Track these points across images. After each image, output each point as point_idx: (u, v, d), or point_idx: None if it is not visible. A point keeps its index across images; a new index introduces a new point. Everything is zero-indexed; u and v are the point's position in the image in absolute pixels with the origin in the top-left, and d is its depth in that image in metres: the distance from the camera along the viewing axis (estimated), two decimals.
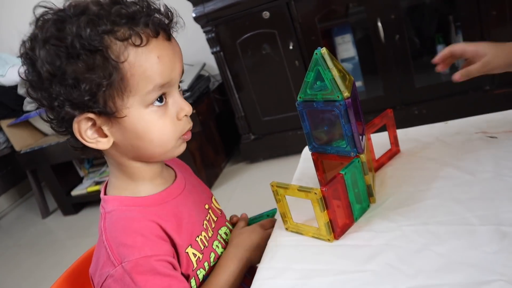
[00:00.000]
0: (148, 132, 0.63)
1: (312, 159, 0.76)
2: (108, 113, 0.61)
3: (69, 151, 2.40)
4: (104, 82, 0.58)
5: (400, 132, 0.92)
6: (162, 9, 0.64)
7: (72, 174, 2.72)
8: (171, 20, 0.64)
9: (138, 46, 0.59)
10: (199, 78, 2.38)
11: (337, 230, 0.65)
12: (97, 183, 2.58)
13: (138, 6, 0.61)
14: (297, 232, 0.70)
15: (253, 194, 2.07)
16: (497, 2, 1.80)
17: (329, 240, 0.65)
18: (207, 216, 0.77)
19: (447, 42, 2.12)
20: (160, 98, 0.63)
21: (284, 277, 0.61)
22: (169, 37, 0.63)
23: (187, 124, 0.67)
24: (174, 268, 0.66)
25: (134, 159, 0.68)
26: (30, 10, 0.60)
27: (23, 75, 0.62)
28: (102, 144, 0.64)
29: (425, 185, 0.71)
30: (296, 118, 0.72)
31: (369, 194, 0.71)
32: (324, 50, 0.65)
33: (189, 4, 2.14)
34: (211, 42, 2.20)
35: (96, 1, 0.59)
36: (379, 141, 0.89)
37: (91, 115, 0.61)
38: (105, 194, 0.71)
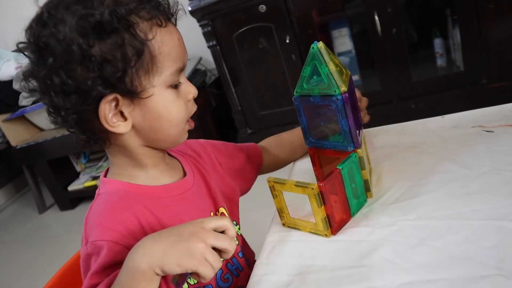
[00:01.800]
0: (168, 111, 0.65)
1: (309, 154, 0.76)
2: (134, 93, 0.61)
3: (66, 146, 2.42)
4: (133, 58, 0.59)
5: (397, 127, 0.92)
6: None
7: (69, 169, 2.71)
8: (176, 8, 0.66)
9: (160, 26, 0.61)
10: (196, 72, 2.38)
11: (334, 226, 0.65)
12: (94, 178, 2.58)
13: None
14: (294, 228, 0.70)
15: None
16: None
17: (326, 235, 0.65)
18: None
19: (444, 36, 2.12)
20: (176, 84, 0.66)
21: (281, 273, 0.61)
22: (175, 23, 0.66)
23: (193, 106, 0.70)
24: None
25: (144, 144, 0.68)
26: (24, 5, 0.59)
27: (25, 68, 0.61)
28: (122, 127, 0.63)
29: (422, 179, 0.71)
30: (292, 113, 0.71)
31: (366, 189, 0.70)
32: (320, 44, 0.65)
33: None
34: (207, 36, 2.19)
35: None
36: (373, 135, 0.89)
37: (118, 96, 0.60)
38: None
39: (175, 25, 0.66)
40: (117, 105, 0.62)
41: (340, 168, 0.64)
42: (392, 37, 1.98)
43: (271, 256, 0.66)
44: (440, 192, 0.66)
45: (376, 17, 1.96)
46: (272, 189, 0.69)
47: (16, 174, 3.13)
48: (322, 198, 0.62)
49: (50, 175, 2.57)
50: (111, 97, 0.60)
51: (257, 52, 2.19)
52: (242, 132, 2.40)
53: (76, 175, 2.72)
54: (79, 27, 0.56)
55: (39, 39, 0.58)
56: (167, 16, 0.64)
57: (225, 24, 2.17)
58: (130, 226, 0.62)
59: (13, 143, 2.53)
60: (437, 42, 2.12)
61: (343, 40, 2.23)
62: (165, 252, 0.50)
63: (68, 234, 2.41)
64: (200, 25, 2.18)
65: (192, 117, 0.72)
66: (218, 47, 2.20)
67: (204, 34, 2.19)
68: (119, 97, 0.61)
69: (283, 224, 0.72)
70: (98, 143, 0.66)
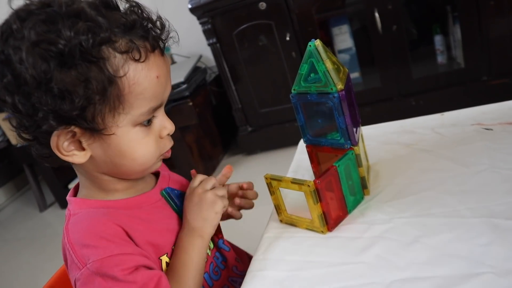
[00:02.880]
0: (132, 151, 0.60)
1: (307, 151, 0.76)
2: (95, 130, 0.56)
3: None
4: (96, 96, 0.53)
5: (396, 124, 0.92)
6: (155, 19, 0.59)
7: (69, 167, 2.70)
8: (167, 35, 0.60)
9: (137, 61, 0.55)
10: (196, 70, 2.37)
11: (330, 222, 0.65)
12: None
13: (136, 15, 0.56)
14: (291, 224, 0.70)
15: None
16: None
17: (322, 232, 0.65)
18: None
19: (445, 33, 2.11)
20: (148, 119, 0.61)
21: (277, 269, 0.61)
22: (162, 53, 0.60)
23: (169, 143, 0.66)
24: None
25: (108, 174, 0.64)
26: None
27: None
28: (78, 157, 0.59)
29: (419, 177, 0.71)
30: (293, 110, 0.71)
31: (363, 186, 0.70)
32: (318, 42, 0.65)
33: None
34: (207, 33, 2.19)
35: (91, 3, 0.54)
36: (372, 132, 0.89)
37: (76, 129, 0.56)
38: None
39: (163, 53, 0.60)
40: (74, 135, 0.57)
41: (337, 165, 0.64)
42: (393, 34, 1.98)
43: (267, 252, 0.66)
44: (437, 190, 0.66)
45: (377, 14, 1.95)
46: (269, 185, 0.69)
47: (16, 173, 3.14)
48: (318, 195, 0.62)
49: (51, 173, 2.57)
50: (65, 131, 0.56)
51: (257, 49, 2.19)
52: (242, 129, 2.40)
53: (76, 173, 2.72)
54: (41, 51, 0.51)
55: (1, 53, 0.53)
56: (152, 46, 0.57)
57: (225, 22, 2.16)
58: (120, 235, 0.61)
59: (13, 142, 2.53)
60: (438, 39, 2.11)
61: (344, 37, 2.22)
62: (204, 220, 0.67)
63: None
64: (200, 23, 2.17)
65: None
66: (218, 44, 2.20)
67: (204, 31, 2.19)
68: (76, 130, 0.56)
69: (281, 221, 0.72)
70: (60, 161, 0.61)
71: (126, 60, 0.54)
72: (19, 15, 0.53)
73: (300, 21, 2.08)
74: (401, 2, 1.98)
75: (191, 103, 2.13)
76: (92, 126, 0.56)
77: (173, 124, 0.65)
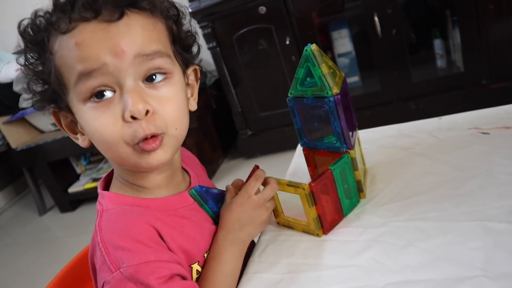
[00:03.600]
0: (92, 131, 0.57)
1: (304, 154, 0.76)
2: (62, 108, 0.60)
3: (66, 148, 2.42)
4: (48, 77, 0.57)
5: (394, 128, 0.92)
6: None
7: (69, 171, 2.71)
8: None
9: (64, 33, 0.54)
10: None
11: (326, 225, 0.65)
12: (94, 179, 2.58)
13: None
14: (288, 227, 0.71)
15: None
16: None
17: (318, 235, 0.65)
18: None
19: (444, 37, 2.12)
20: (100, 93, 0.55)
21: (273, 272, 0.61)
22: (119, 16, 0.53)
23: (140, 128, 0.55)
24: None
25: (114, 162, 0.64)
26: (24, 7, 0.61)
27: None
28: (80, 141, 0.62)
29: (415, 181, 0.71)
30: None
31: (359, 189, 0.70)
32: (313, 47, 0.65)
33: None
34: (207, 37, 2.19)
35: None
36: (370, 136, 0.89)
37: (55, 109, 0.61)
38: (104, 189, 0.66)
39: (119, 16, 0.53)
40: (68, 119, 0.62)
41: (332, 169, 0.64)
42: (392, 38, 1.98)
43: (263, 254, 0.66)
44: (432, 193, 0.66)
45: (376, 18, 1.96)
46: None
47: (16, 176, 3.14)
48: (313, 198, 0.62)
49: (50, 177, 2.57)
50: (52, 110, 0.61)
51: (257, 53, 2.19)
52: (242, 133, 2.40)
53: (76, 177, 2.72)
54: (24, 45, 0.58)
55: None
56: (93, 12, 0.52)
57: (225, 26, 2.17)
58: (155, 239, 0.58)
59: (13, 145, 2.53)
60: (437, 43, 2.11)
61: (343, 41, 2.23)
62: (251, 236, 0.67)
63: (68, 236, 2.41)
64: (200, 27, 2.18)
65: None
66: (218, 48, 2.21)
67: (204, 35, 2.19)
68: (56, 110, 0.61)
69: (278, 223, 0.72)
70: None
71: (57, 36, 0.55)
72: None
73: (300, 25, 2.08)
74: (400, 6, 1.98)
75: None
76: (60, 106, 0.60)
77: (139, 104, 0.53)
